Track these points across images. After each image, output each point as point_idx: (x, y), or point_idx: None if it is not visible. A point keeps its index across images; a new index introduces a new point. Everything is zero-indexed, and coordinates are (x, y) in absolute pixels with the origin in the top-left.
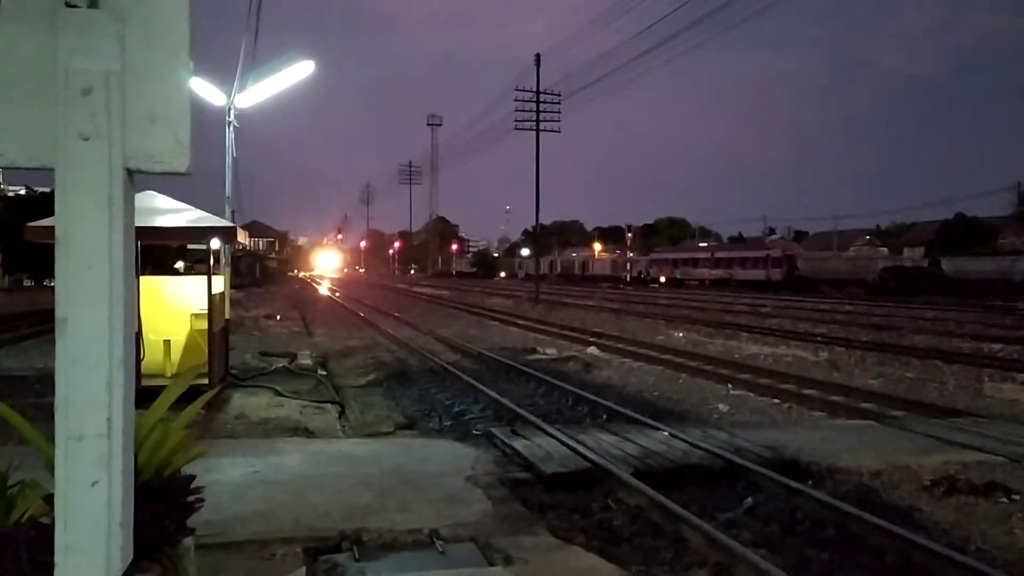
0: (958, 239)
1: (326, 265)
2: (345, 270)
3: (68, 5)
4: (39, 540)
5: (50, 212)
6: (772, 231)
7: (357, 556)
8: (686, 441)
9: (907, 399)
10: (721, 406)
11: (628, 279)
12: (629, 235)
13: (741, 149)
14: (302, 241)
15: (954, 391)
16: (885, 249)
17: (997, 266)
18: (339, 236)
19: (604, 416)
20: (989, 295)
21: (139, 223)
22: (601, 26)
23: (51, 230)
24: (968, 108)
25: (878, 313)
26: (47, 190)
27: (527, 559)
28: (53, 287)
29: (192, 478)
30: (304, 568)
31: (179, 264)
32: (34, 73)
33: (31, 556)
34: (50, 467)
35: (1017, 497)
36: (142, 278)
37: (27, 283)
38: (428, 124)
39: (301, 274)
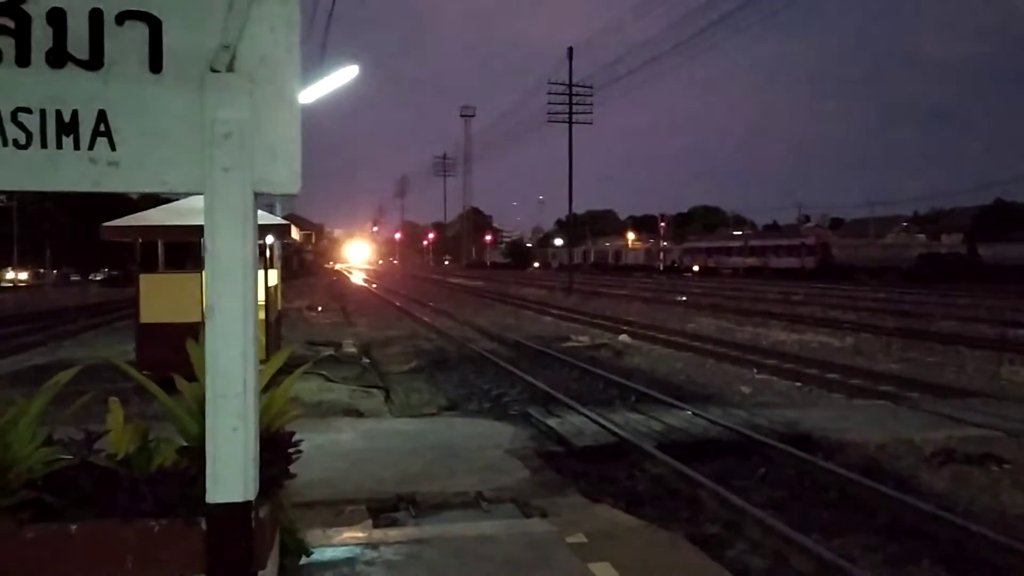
0: (997, 225)
1: (361, 257)
2: (380, 262)
3: (212, 70)
4: (182, 479)
5: (98, 210)
6: (807, 219)
7: (413, 514)
8: (707, 419)
9: (925, 382)
10: (744, 389)
11: (662, 268)
12: (662, 224)
13: (777, 136)
14: (337, 233)
15: (972, 375)
16: (923, 236)
17: None
18: (374, 228)
19: (633, 398)
20: None
21: (199, 223)
22: (636, 16)
23: (126, 229)
24: (1009, 91)
25: (910, 300)
26: None
27: (561, 513)
28: (99, 281)
29: (292, 434)
30: (371, 520)
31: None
32: (188, 122)
33: (178, 490)
34: (180, 427)
35: (1008, 466)
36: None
37: (73, 278)
38: (461, 115)
39: (337, 266)
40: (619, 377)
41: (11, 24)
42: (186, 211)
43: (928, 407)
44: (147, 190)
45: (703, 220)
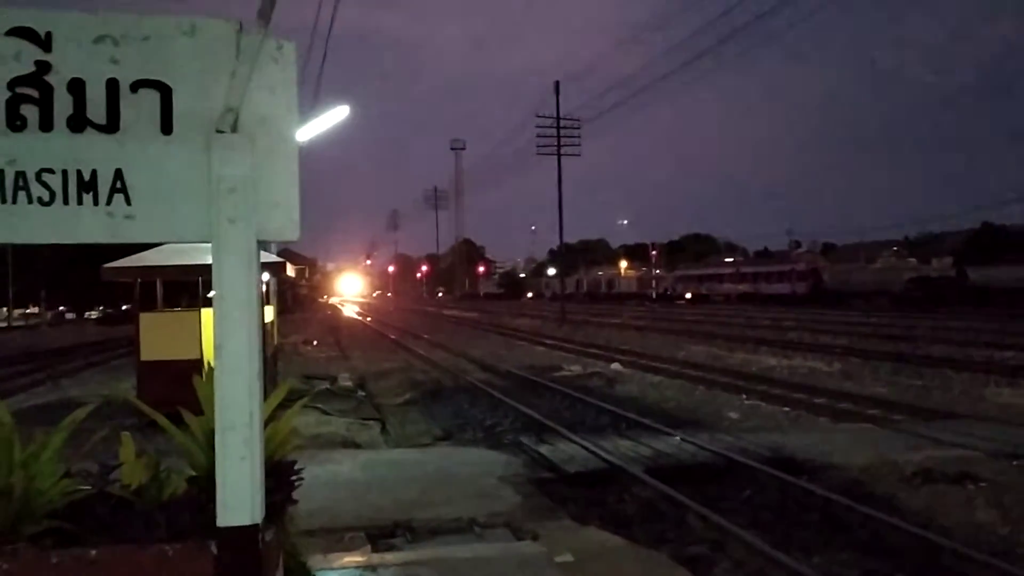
0: (986, 248)
1: (354, 290)
2: (375, 294)
3: (218, 131)
4: (192, 506)
5: (90, 250)
6: (798, 244)
7: (410, 539)
8: (695, 444)
9: (910, 405)
10: (732, 414)
11: (654, 296)
12: (653, 252)
13: (768, 163)
14: (331, 267)
15: (957, 397)
16: (914, 260)
17: None
18: (368, 261)
19: (623, 425)
20: (1015, 304)
21: (199, 261)
22: (622, 50)
23: (126, 270)
24: (994, 115)
25: (900, 324)
26: None
27: (551, 536)
28: (96, 319)
29: (295, 462)
30: (369, 546)
31: (212, 293)
32: (196, 178)
33: (190, 516)
34: (188, 457)
35: (984, 485)
36: (204, 311)
37: (68, 316)
38: (452, 148)
39: (331, 300)
40: (610, 405)
41: (35, 93)
42: (178, 251)
43: (911, 429)
44: (160, 240)
45: (695, 248)
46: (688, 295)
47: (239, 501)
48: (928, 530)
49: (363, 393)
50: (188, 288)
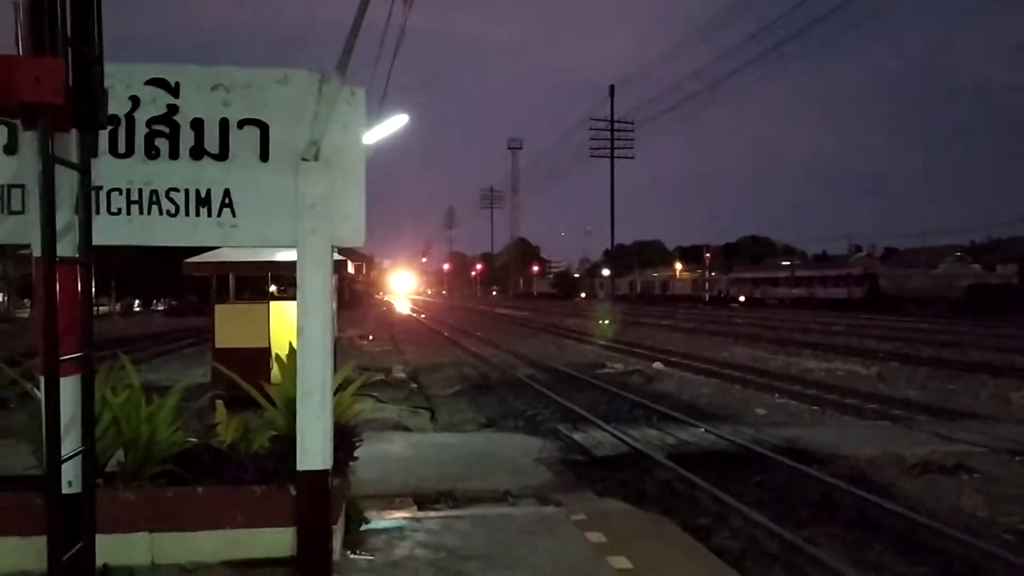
0: None
1: (409, 287)
2: (429, 292)
3: (303, 159)
4: (275, 457)
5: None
6: (858, 248)
7: (451, 504)
8: (717, 435)
9: (935, 407)
10: (760, 411)
11: (707, 299)
12: (707, 255)
13: (829, 164)
14: (386, 264)
15: (984, 400)
16: (978, 266)
17: None
18: (424, 259)
19: (655, 418)
20: None
21: (266, 259)
22: (681, 50)
23: (204, 265)
24: None
25: (950, 331)
26: None
27: (572, 503)
28: (163, 311)
29: (356, 426)
30: (416, 507)
31: (272, 288)
32: (285, 196)
33: (273, 465)
34: (271, 422)
35: (977, 476)
36: (272, 303)
37: (136, 307)
38: (508, 148)
39: (387, 296)
40: (645, 400)
41: (166, 130)
42: (244, 248)
43: (926, 427)
44: (256, 245)
45: (752, 250)
46: (742, 298)
47: (315, 449)
48: (914, 512)
49: (415, 384)
50: (252, 282)
